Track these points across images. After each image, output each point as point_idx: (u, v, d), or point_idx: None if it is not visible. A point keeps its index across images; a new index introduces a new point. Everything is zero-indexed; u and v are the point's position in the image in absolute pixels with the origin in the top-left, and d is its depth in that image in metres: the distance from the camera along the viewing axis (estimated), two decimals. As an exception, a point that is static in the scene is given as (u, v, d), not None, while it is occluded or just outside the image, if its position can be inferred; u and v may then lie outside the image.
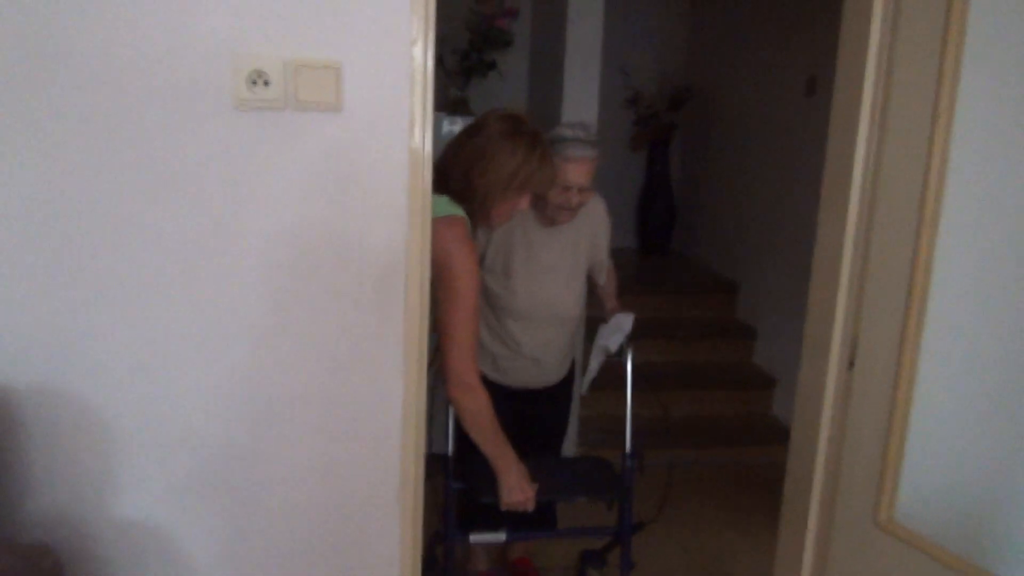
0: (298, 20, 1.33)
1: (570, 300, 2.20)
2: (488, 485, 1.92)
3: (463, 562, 2.54)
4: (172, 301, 1.39)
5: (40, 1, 1.26)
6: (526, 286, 2.13)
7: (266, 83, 1.34)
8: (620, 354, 2.23)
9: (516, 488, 1.89)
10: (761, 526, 2.97)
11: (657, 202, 4.97)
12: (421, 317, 1.48)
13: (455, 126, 3.39)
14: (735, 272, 4.37)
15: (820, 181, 1.70)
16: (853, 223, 1.59)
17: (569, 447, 3.34)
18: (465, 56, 3.66)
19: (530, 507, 1.92)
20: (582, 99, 3.26)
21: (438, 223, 1.66)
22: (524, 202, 1.85)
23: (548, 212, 2.08)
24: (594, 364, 2.27)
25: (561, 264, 2.17)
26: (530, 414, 2.24)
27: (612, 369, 2.27)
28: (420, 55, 1.39)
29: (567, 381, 2.35)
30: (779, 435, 3.57)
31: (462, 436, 1.90)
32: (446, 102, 3.65)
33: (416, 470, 1.53)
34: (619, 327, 2.21)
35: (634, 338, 2.22)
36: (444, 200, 1.76)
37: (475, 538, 2.05)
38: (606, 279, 2.36)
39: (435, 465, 2.04)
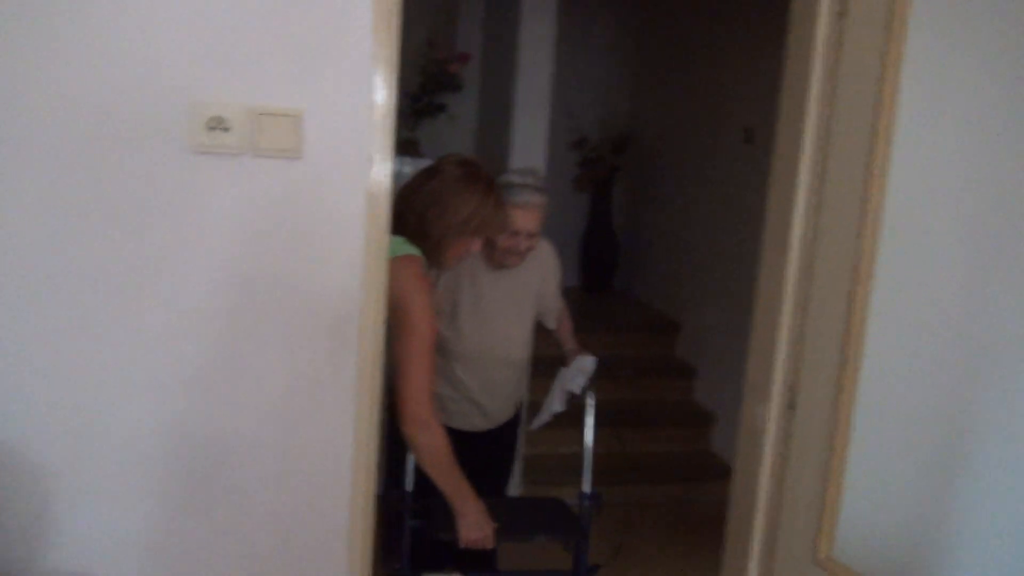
0: (261, 68, 1.35)
1: (517, 343, 2.23)
2: (446, 522, 1.89)
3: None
4: (113, 345, 1.37)
5: (-3, 43, 1.25)
6: (472, 328, 2.15)
7: (225, 129, 1.35)
8: (583, 396, 2.24)
9: (475, 525, 1.88)
10: (704, 564, 3.02)
11: (600, 241, 5.08)
12: (374, 364, 1.49)
13: (405, 167, 3.43)
14: (676, 311, 4.48)
15: (758, 224, 1.77)
16: (793, 274, 1.66)
17: (513, 486, 3.35)
18: (416, 98, 3.71)
19: (489, 544, 1.91)
20: (531, 143, 3.34)
21: (395, 262, 1.68)
22: (477, 244, 1.90)
23: (497, 256, 2.12)
24: (555, 406, 2.28)
25: (508, 307, 2.20)
26: (475, 456, 2.24)
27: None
28: (382, 104, 1.41)
29: (513, 423, 2.36)
30: (719, 471, 3.64)
31: (421, 472, 1.89)
32: (396, 143, 3.68)
33: (365, 517, 1.53)
34: (581, 369, 2.23)
35: (595, 379, 2.24)
36: (400, 240, 1.79)
37: None
38: (561, 320, 2.39)
39: (391, 503, 2.03)
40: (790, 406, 1.67)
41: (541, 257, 2.26)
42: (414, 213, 1.83)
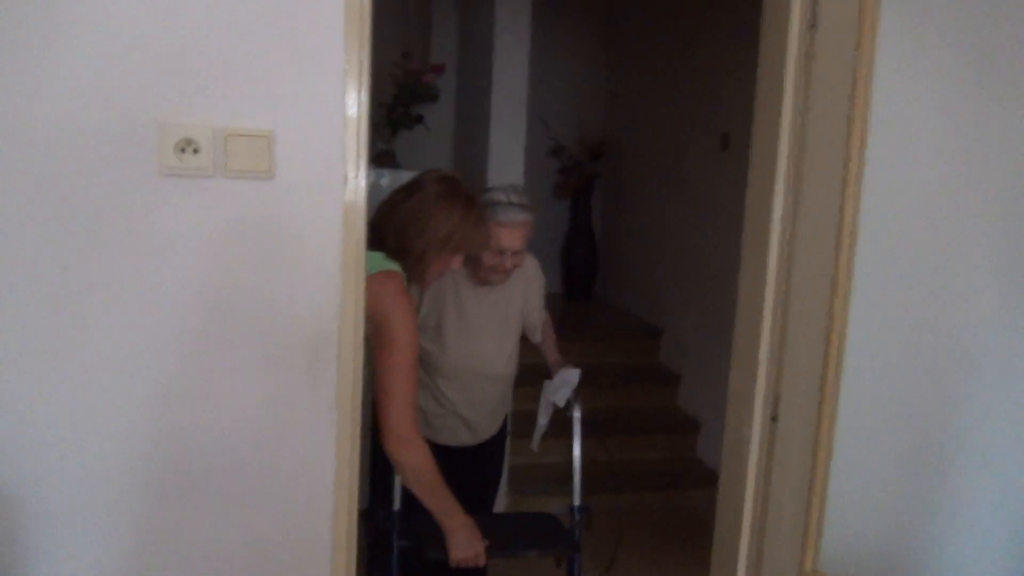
0: (231, 89, 1.33)
1: (502, 359, 2.21)
2: (435, 541, 1.85)
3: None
4: (83, 368, 1.34)
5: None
6: (457, 344, 2.13)
7: (195, 151, 1.32)
8: (567, 408, 2.23)
9: (465, 543, 1.84)
10: (692, 573, 3.02)
11: (580, 248, 5.08)
12: (355, 382, 1.47)
13: (383, 179, 3.40)
14: (657, 317, 4.48)
15: (736, 229, 1.77)
16: (772, 288, 1.66)
17: (500, 496, 3.32)
18: (391, 109, 3.69)
19: (481, 562, 1.88)
20: (508, 152, 3.33)
21: (374, 278, 1.66)
22: (457, 261, 1.88)
23: (481, 273, 2.10)
24: (543, 420, 2.27)
25: (493, 323, 2.18)
26: (461, 471, 2.22)
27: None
28: (355, 120, 1.39)
29: (499, 437, 2.35)
30: (705, 478, 3.64)
31: (408, 490, 1.85)
32: (372, 154, 3.66)
33: (348, 538, 1.50)
34: (565, 381, 2.22)
35: (580, 391, 2.23)
36: (379, 256, 1.77)
37: None
38: (544, 333, 2.38)
39: (378, 523, 1.99)
40: (773, 418, 1.67)
41: (526, 272, 2.24)
42: (394, 229, 1.81)
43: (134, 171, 1.31)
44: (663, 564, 3.12)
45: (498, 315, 2.20)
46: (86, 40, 1.26)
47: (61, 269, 1.31)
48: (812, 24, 1.56)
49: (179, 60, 1.30)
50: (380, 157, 3.68)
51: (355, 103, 1.38)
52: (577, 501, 2.13)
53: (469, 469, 2.27)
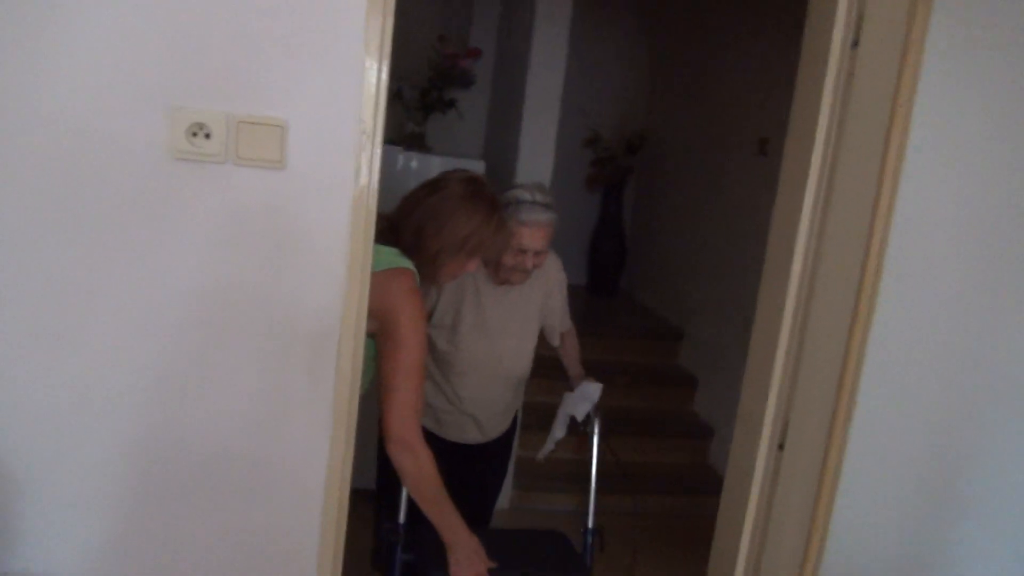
0: (246, 77, 1.30)
1: (519, 359, 2.18)
2: (440, 558, 1.74)
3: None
4: (84, 354, 1.34)
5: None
6: (474, 343, 2.10)
7: (207, 136, 1.31)
8: (586, 424, 2.15)
9: (466, 562, 1.73)
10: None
11: (609, 242, 5.01)
12: (353, 379, 1.45)
13: (412, 162, 3.38)
14: (681, 319, 4.42)
15: (767, 238, 1.70)
16: (790, 311, 1.61)
17: (504, 491, 3.32)
18: (425, 92, 3.65)
19: None
20: (540, 141, 3.29)
21: (386, 274, 1.63)
22: (472, 265, 1.82)
23: (502, 273, 2.06)
24: (558, 433, 2.21)
25: (511, 323, 2.14)
26: (466, 469, 2.21)
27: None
28: (372, 115, 1.36)
29: (508, 435, 2.32)
30: (715, 486, 3.58)
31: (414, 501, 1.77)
32: (403, 136, 3.63)
33: (337, 535, 1.50)
34: (586, 396, 2.15)
35: (599, 406, 2.16)
36: (393, 252, 1.73)
37: None
38: (568, 343, 2.33)
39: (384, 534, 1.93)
40: (780, 446, 1.62)
41: (547, 272, 2.19)
42: (412, 225, 1.76)
43: (147, 155, 1.30)
44: (670, 570, 3.09)
45: (518, 316, 2.16)
46: (101, 22, 1.25)
47: (70, 252, 1.31)
48: (855, 42, 1.49)
49: (193, 45, 1.28)
50: (411, 139, 3.65)
51: (372, 102, 1.35)
52: (591, 523, 2.05)
53: (475, 467, 2.25)
